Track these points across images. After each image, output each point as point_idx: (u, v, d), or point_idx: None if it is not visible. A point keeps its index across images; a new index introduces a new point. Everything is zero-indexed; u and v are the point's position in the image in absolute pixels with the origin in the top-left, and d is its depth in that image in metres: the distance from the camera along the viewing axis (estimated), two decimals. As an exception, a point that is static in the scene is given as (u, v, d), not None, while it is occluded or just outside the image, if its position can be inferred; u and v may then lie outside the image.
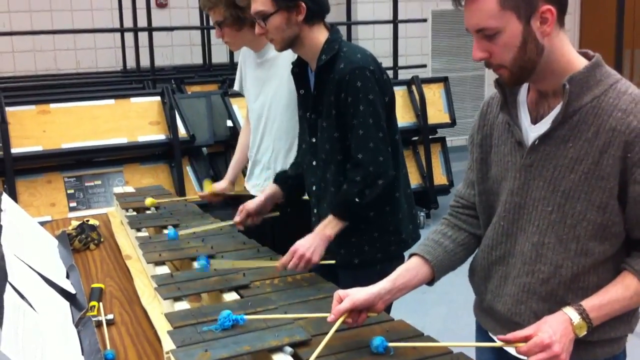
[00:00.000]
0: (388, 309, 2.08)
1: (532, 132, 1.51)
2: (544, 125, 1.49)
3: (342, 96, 2.08)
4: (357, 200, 2.07)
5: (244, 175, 3.02)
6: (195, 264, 2.07)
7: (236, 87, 2.98)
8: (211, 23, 2.96)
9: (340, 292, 1.54)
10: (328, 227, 2.10)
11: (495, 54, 1.44)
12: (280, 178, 2.47)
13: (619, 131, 1.40)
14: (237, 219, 2.41)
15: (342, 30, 6.95)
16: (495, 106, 1.62)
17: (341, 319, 1.50)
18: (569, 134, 1.45)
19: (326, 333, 1.49)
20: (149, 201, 2.80)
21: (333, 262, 2.12)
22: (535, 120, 1.52)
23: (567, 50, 1.46)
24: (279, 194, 2.44)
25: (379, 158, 2.08)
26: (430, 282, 1.66)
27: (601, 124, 1.42)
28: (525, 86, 1.55)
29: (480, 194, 1.66)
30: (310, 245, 2.04)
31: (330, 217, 2.11)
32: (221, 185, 2.91)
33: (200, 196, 2.93)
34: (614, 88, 1.43)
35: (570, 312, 1.41)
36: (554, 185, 1.47)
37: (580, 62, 1.46)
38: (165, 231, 2.45)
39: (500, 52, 1.43)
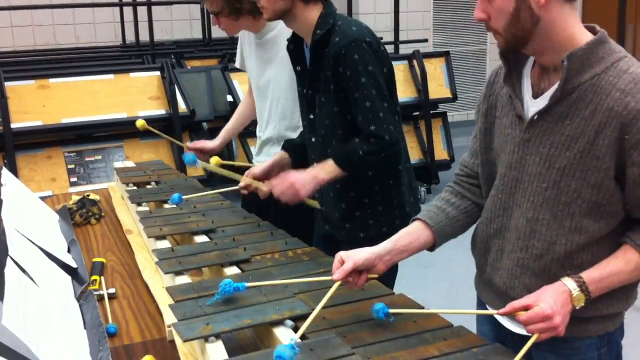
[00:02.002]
0: (391, 283, 2.09)
1: (532, 106, 1.50)
2: (543, 100, 1.47)
3: (340, 70, 2.06)
4: (360, 153, 2.05)
5: (243, 147, 3.03)
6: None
7: (237, 64, 2.96)
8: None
9: (341, 254, 1.55)
10: (323, 170, 2.10)
11: (492, 17, 1.44)
12: (288, 145, 2.47)
13: (615, 112, 1.38)
14: (242, 183, 2.41)
15: (343, 4, 6.91)
16: (502, 77, 1.61)
17: (337, 284, 1.51)
18: (567, 111, 1.43)
19: (328, 307, 1.49)
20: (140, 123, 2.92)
21: (317, 204, 2.14)
22: (536, 95, 1.50)
23: (571, 25, 1.44)
24: (286, 160, 2.43)
25: (390, 127, 2.06)
26: (432, 247, 1.66)
27: (599, 103, 1.40)
28: (531, 59, 1.54)
29: (483, 164, 1.65)
30: (303, 179, 2.07)
31: (329, 162, 2.10)
32: (212, 145, 2.90)
33: (188, 147, 2.93)
34: (615, 66, 1.41)
35: (569, 283, 1.41)
36: (549, 162, 1.47)
37: (583, 38, 1.43)
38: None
39: (496, 16, 1.43)
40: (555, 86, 1.44)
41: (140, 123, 2.97)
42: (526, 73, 1.54)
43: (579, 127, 1.42)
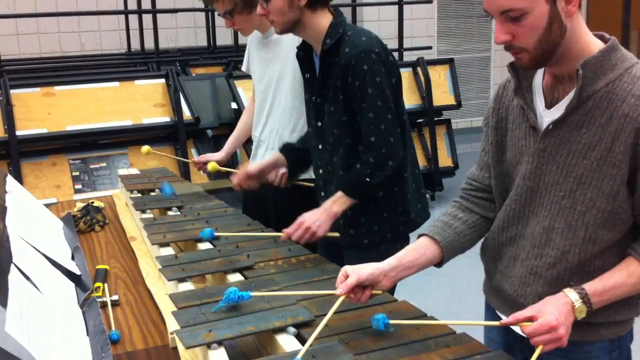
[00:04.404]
0: (392, 290, 2.09)
1: (546, 116, 1.50)
2: (558, 110, 1.47)
3: (349, 80, 2.08)
4: (367, 179, 2.08)
5: (248, 156, 3.03)
6: (200, 234, 2.15)
7: (244, 68, 3.00)
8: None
9: (346, 268, 1.54)
10: (336, 204, 2.11)
11: (519, 36, 1.40)
12: (285, 148, 2.49)
13: (631, 117, 1.38)
14: (234, 180, 2.45)
15: (347, 11, 6.92)
16: (511, 89, 1.59)
17: (342, 298, 1.51)
18: (583, 119, 1.43)
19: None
20: (145, 149, 2.87)
21: (337, 235, 2.13)
22: (550, 105, 1.50)
23: (584, 33, 1.44)
24: (282, 161, 2.46)
25: (390, 139, 2.08)
26: (439, 263, 1.65)
27: (614, 110, 1.40)
28: (540, 70, 1.53)
29: (496, 177, 1.65)
30: (316, 219, 2.07)
31: (339, 194, 2.11)
32: (217, 157, 2.92)
33: (194, 162, 2.94)
34: (629, 72, 1.41)
35: (572, 295, 1.41)
36: (566, 170, 1.46)
37: (595, 46, 1.44)
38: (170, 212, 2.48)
39: (525, 34, 1.39)
40: (571, 95, 1.44)
41: (145, 150, 2.95)
42: (537, 84, 1.54)
43: (596, 134, 1.42)
